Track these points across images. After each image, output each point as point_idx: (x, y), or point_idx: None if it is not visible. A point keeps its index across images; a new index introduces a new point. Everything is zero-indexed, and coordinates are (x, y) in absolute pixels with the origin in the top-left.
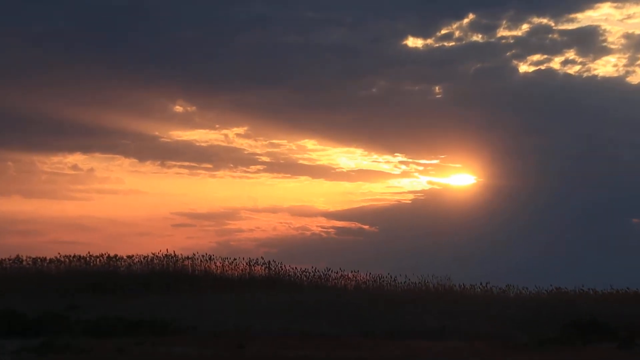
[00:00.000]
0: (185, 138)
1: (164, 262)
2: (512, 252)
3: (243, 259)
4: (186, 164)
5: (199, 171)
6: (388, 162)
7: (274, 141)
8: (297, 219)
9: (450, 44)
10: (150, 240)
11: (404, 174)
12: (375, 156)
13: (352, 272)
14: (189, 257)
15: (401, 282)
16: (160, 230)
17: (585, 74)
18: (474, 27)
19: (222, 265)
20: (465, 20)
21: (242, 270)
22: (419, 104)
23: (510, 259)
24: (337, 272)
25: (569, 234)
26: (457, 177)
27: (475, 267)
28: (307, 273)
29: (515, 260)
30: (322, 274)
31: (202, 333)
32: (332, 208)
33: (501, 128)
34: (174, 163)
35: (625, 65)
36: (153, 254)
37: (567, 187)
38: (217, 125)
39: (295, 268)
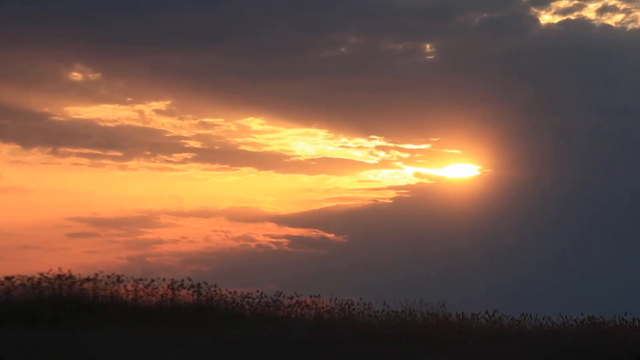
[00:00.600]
0: (85, 116)
1: (56, 286)
2: (525, 268)
3: (164, 280)
4: (87, 151)
5: (104, 161)
6: (361, 147)
7: (207, 120)
8: (237, 226)
9: None
10: (38, 256)
11: (383, 164)
12: (343, 139)
13: (312, 297)
14: (90, 278)
15: (378, 311)
16: (51, 242)
17: (630, 26)
18: None
19: (135, 289)
20: None
21: (162, 296)
22: (404, 68)
23: (524, 278)
24: (291, 298)
25: (601, 242)
26: (454, 167)
27: (478, 288)
28: (251, 299)
29: (530, 280)
30: (270, 300)
31: None
32: (284, 210)
33: (514, 101)
34: (70, 150)
35: None
36: (41, 275)
37: (599, 180)
38: (129, 99)
39: (235, 292)
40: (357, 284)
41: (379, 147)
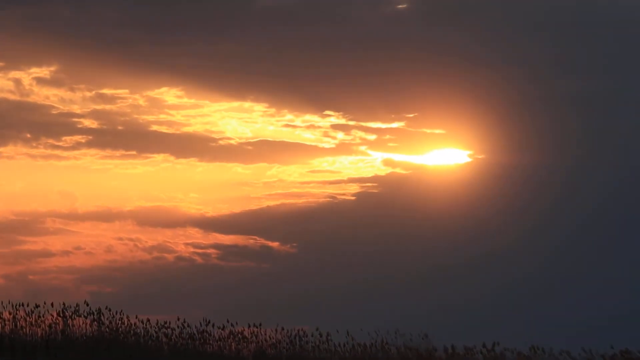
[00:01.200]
0: None
1: None
2: (532, 285)
3: (52, 305)
4: None
5: None
6: (312, 126)
7: (106, 91)
8: (150, 232)
9: None
10: None
11: (342, 149)
12: (289, 117)
13: (251, 327)
14: None
15: (340, 345)
16: None
17: None
18: None
19: (14, 317)
20: None
21: (50, 326)
22: (368, 21)
23: (530, 298)
24: (223, 328)
25: (632, 248)
26: (437, 152)
27: (471, 313)
28: (170, 330)
29: (539, 301)
30: (196, 331)
31: None
32: (212, 211)
33: (515, 65)
34: None
35: None
36: None
37: (626, 167)
38: (0, 64)
39: (148, 321)
40: (311, 308)
41: (336, 127)
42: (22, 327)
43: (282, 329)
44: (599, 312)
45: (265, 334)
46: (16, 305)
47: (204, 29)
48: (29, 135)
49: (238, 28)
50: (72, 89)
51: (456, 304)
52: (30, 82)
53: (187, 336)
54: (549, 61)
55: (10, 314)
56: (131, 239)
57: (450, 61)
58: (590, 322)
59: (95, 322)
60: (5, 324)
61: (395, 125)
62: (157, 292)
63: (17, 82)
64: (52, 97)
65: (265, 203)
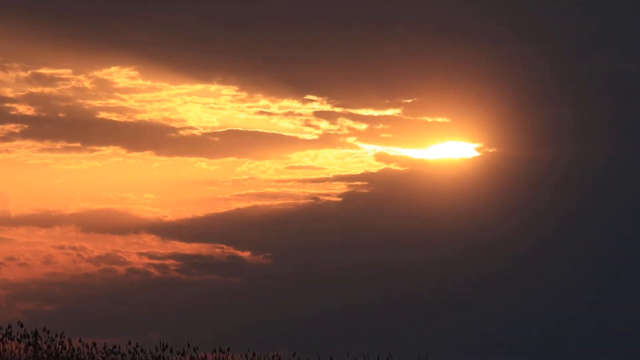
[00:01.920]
0: None
1: None
2: (555, 301)
3: None
4: None
5: None
6: (291, 113)
7: (44, 71)
8: (96, 240)
9: None
10: None
11: (327, 140)
12: (263, 102)
13: (216, 351)
14: None
15: None
16: None
17: None
18: None
19: None
20: None
21: None
22: None
23: (553, 315)
24: (183, 354)
25: None
26: (440, 145)
27: (477, 333)
28: (120, 355)
29: (565, 318)
30: (151, 357)
31: None
32: (171, 215)
33: (531, 43)
34: None
35: None
36: None
37: None
38: None
39: (94, 346)
40: (289, 330)
41: (319, 114)
42: None
43: (254, 355)
44: None
45: None
46: None
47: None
48: None
49: None
50: (3, 68)
51: (458, 323)
52: None
53: None
54: (571, 38)
55: None
56: (74, 248)
57: (454, 38)
58: None
59: (31, 347)
60: None
61: (389, 112)
62: (105, 311)
63: None
64: None
65: (235, 205)
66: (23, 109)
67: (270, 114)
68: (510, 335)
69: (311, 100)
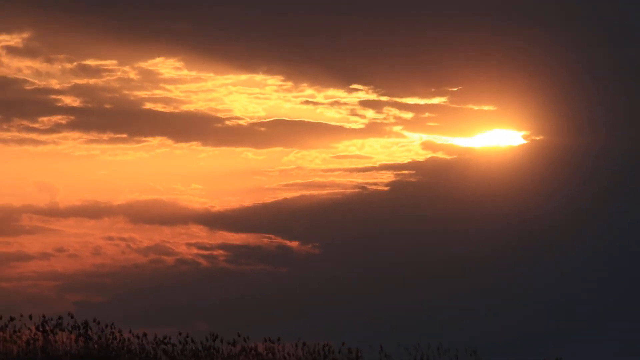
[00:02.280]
0: None
1: None
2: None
3: (30, 317)
4: None
5: None
6: (337, 103)
7: (89, 62)
8: (145, 231)
9: None
10: None
11: (373, 129)
12: (309, 92)
13: (266, 341)
14: None
15: None
16: None
17: None
18: None
19: None
20: None
21: (27, 342)
22: None
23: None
24: (233, 344)
25: None
26: (486, 133)
27: (523, 326)
28: (170, 346)
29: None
30: (201, 347)
31: None
32: (219, 205)
33: (581, 28)
34: None
35: None
36: None
37: None
38: None
39: (145, 336)
40: (337, 320)
41: (365, 103)
42: None
43: (304, 344)
44: None
45: (284, 351)
46: None
47: None
48: None
49: None
50: (49, 60)
51: (508, 315)
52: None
53: (191, 353)
54: (624, 22)
55: None
56: (123, 239)
57: (501, 25)
58: None
59: (82, 338)
60: None
61: (435, 101)
62: (155, 302)
63: None
64: (26, 70)
65: (282, 195)
66: (69, 100)
67: (316, 103)
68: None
69: (357, 90)
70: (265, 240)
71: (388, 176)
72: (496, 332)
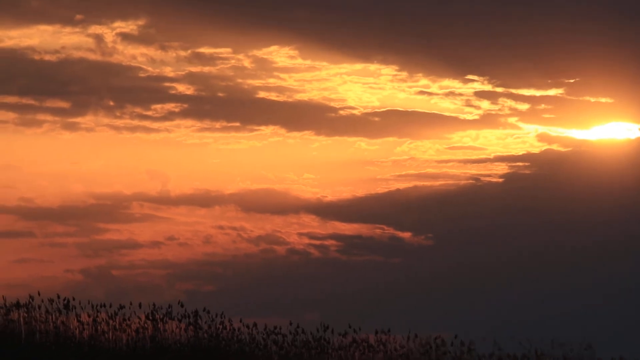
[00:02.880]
0: (9, 44)
1: None
2: None
3: (140, 306)
4: (11, 100)
5: (39, 116)
6: (452, 93)
7: (203, 50)
8: (256, 220)
9: None
10: None
11: (488, 121)
12: (423, 82)
13: (378, 333)
14: (22, 303)
15: (484, 356)
16: None
17: None
18: None
19: (94, 320)
20: None
21: (137, 331)
22: None
23: None
24: (344, 335)
25: None
26: (604, 126)
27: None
28: (281, 337)
29: None
30: (312, 337)
31: None
32: (331, 195)
33: None
34: None
35: None
36: None
37: None
38: (78, 17)
39: (255, 326)
40: (450, 311)
41: (480, 94)
42: (103, 332)
43: (415, 336)
44: None
45: (395, 342)
46: (97, 306)
47: None
48: (112, 103)
49: None
50: (163, 48)
51: (625, 308)
52: (114, 38)
53: (301, 344)
54: None
55: (89, 316)
56: (234, 228)
57: (620, 16)
58: None
59: (191, 327)
60: (84, 329)
61: (552, 92)
62: (266, 292)
63: (99, 38)
64: (140, 57)
65: (395, 185)
66: (183, 88)
67: (430, 94)
68: None
69: (472, 80)
70: (378, 231)
71: (502, 168)
72: (612, 326)
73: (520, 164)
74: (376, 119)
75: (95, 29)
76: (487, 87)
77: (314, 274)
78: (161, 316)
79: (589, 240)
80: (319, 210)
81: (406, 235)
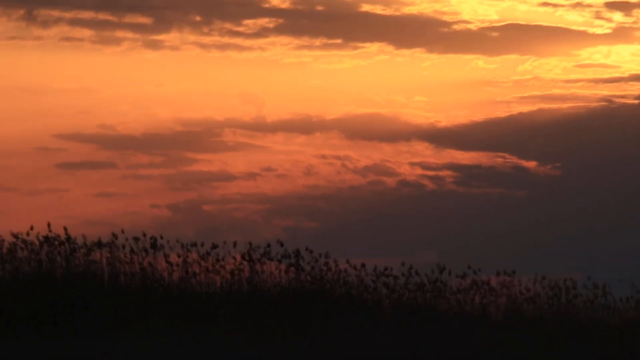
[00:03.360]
0: None
1: (42, 257)
2: None
3: (235, 245)
4: (86, 15)
5: (118, 33)
6: (580, 4)
7: None
8: (362, 148)
9: None
10: (6, 204)
11: (621, 34)
12: None
13: (500, 274)
14: (103, 242)
15: (621, 299)
16: (30, 180)
17: None
18: None
19: (184, 261)
20: None
21: (231, 273)
22: None
23: None
24: (462, 276)
25: None
26: None
27: None
28: (392, 278)
29: None
30: (427, 280)
31: None
32: (446, 120)
33: None
34: (54, 14)
35: None
36: (15, 238)
37: None
38: None
39: (363, 267)
40: (583, 250)
41: (611, 5)
42: (195, 274)
43: (543, 278)
44: None
45: (520, 285)
46: (187, 246)
47: None
48: (198, 18)
49: None
50: None
51: None
52: None
53: (415, 287)
54: None
55: (179, 256)
56: (338, 157)
57: None
58: None
59: (292, 268)
60: (173, 270)
61: None
62: (374, 229)
63: None
64: None
65: (517, 109)
66: (277, 1)
67: (555, 5)
68: None
69: None
70: (499, 159)
71: (638, 88)
72: None
73: None
74: (494, 34)
75: None
76: None
77: (428, 208)
78: (259, 256)
79: None
80: (432, 136)
81: (531, 164)
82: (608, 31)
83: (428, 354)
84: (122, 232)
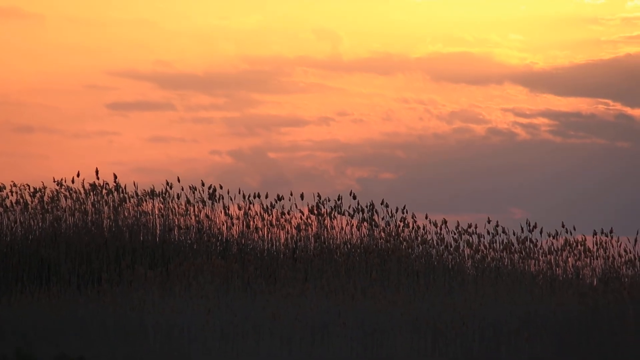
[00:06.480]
0: None
1: (88, 207)
2: None
3: (302, 197)
4: None
5: None
6: None
7: None
8: (448, 91)
9: None
10: (52, 148)
11: None
12: None
13: (597, 234)
14: (157, 192)
15: None
16: (77, 121)
17: None
18: None
19: (245, 214)
20: None
21: (297, 228)
22: None
23: None
24: (555, 236)
25: None
26: None
27: None
28: (475, 236)
29: None
30: (515, 239)
31: None
32: (543, 62)
33: None
34: None
35: None
36: (58, 185)
37: None
38: None
39: (444, 223)
40: None
41: None
42: (257, 228)
43: None
44: None
45: (619, 246)
46: (249, 197)
47: None
48: None
49: None
50: None
51: None
52: None
53: (502, 247)
54: None
55: (240, 209)
56: (421, 102)
57: None
58: None
59: (365, 224)
60: (232, 224)
61: None
62: (459, 182)
63: None
64: None
65: (624, 50)
66: None
67: None
68: None
69: None
70: (601, 107)
71: None
72: None
73: None
74: None
75: None
76: None
77: (520, 160)
78: (328, 210)
79: None
80: (527, 80)
81: (637, 113)
82: None
83: (512, 320)
84: (178, 180)
